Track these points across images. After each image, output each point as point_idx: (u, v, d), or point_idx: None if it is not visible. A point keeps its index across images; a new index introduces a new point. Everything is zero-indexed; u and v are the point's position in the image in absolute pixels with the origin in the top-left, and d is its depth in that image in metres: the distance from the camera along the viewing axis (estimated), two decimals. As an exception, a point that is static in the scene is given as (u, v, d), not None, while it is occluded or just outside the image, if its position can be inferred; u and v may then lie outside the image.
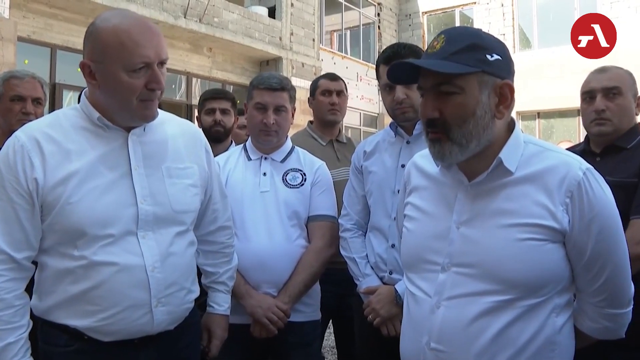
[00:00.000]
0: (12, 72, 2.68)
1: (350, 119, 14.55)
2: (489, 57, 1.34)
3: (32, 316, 1.63)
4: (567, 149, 2.66)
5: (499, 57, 1.36)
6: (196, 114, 3.36)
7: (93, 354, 1.60)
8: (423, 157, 1.62)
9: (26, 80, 2.60)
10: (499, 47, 1.38)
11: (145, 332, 1.63)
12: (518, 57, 14.58)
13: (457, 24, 16.27)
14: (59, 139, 1.58)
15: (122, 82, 1.53)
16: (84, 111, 1.65)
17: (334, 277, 2.50)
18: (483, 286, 1.35)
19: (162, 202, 1.67)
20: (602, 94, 2.26)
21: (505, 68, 1.38)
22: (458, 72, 1.32)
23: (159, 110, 1.77)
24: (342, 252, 2.32)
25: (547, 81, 13.35)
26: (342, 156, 3.14)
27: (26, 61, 8.58)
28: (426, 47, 1.45)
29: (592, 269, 1.38)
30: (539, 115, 14.25)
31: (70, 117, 1.65)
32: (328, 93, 3.25)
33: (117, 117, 1.62)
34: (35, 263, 1.62)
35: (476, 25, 15.64)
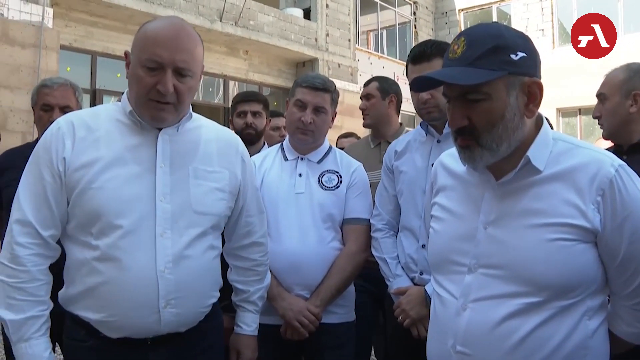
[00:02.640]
0: (45, 80, 2.72)
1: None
2: (513, 56, 1.29)
3: (60, 309, 1.68)
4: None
5: (524, 54, 1.31)
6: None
7: (105, 351, 1.62)
8: (450, 156, 1.58)
9: (55, 88, 2.62)
10: (523, 43, 1.33)
11: (154, 332, 1.63)
12: (558, 53, 14.29)
13: (495, 20, 16.04)
14: (93, 127, 1.66)
15: (137, 75, 1.61)
16: (121, 105, 1.72)
17: (371, 276, 2.48)
18: (511, 288, 1.31)
19: (183, 201, 1.67)
20: (598, 101, 2.35)
21: (531, 65, 1.34)
22: (483, 82, 1.28)
23: (197, 115, 1.82)
24: (374, 252, 2.31)
25: (589, 77, 12.91)
26: None
27: (68, 68, 8.81)
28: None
29: (626, 271, 1.33)
30: (580, 111, 13.92)
31: (110, 110, 1.74)
32: (360, 99, 3.35)
33: (138, 111, 1.67)
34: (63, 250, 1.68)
35: (514, 22, 15.38)
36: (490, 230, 1.38)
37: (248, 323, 1.98)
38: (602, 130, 2.36)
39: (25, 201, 1.61)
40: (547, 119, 3.25)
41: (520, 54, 1.30)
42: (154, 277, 1.60)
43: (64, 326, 1.70)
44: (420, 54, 2.19)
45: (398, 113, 3.39)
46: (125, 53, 1.67)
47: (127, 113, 1.69)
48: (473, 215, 1.42)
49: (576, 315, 1.30)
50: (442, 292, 1.47)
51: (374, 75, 3.72)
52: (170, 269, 1.62)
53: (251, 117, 3.11)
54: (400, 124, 3.37)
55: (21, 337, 1.56)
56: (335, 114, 2.43)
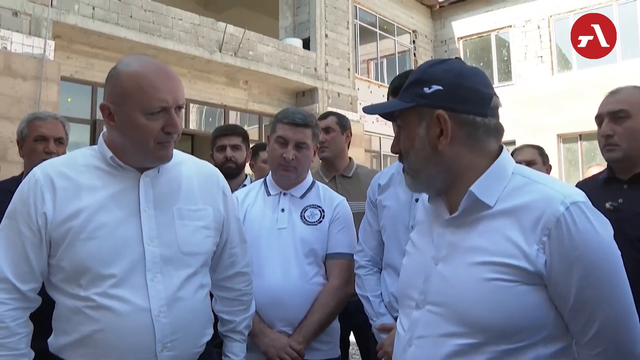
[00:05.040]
0: (36, 113, 2.75)
1: (389, 147, 14.42)
2: (426, 89, 1.32)
3: (49, 353, 1.66)
4: (587, 178, 2.58)
5: (439, 88, 1.31)
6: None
7: None
8: None
9: (48, 121, 2.67)
10: (444, 78, 1.32)
11: None
12: (557, 79, 14.38)
13: (494, 48, 16.17)
14: (72, 176, 1.64)
15: (140, 124, 1.58)
16: (99, 151, 1.70)
17: (353, 310, 2.47)
18: (450, 328, 1.27)
19: (170, 243, 1.67)
20: (608, 118, 2.18)
21: (444, 97, 1.31)
22: (385, 111, 1.41)
23: (176, 151, 1.79)
24: (357, 290, 2.29)
25: (589, 102, 12.90)
26: (344, 191, 3.15)
27: (69, 99, 8.90)
28: None
29: (580, 318, 1.21)
30: (581, 137, 13.93)
31: (86, 156, 1.71)
32: None
33: (133, 157, 1.66)
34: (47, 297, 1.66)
35: (513, 49, 15.50)
36: (440, 267, 1.34)
37: (236, 353, 1.97)
38: (606, 153, 2.18)
39: (2, 257, 1.59)
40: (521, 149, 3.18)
41: (435, 87, 1.32)
42: (150, 322, 1.59)
43: None
44: (400, 85, 2.17)
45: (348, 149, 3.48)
46: (105, 105, 1.62)
47: (107, 159, 1.67)
48: (428, 251, 1.39)
49: None
50: (398, 327, 1.45)
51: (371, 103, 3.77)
52: (165, 312, 1.61)
53: (230, 151, 3.11)
54: (350, 158, 3.45)
55: None
56: (317, 148, 2.43)
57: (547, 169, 3.24)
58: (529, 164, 3.13)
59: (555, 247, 1.19)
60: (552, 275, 1.20)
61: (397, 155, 1.46)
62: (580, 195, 1.24)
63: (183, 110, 1.69)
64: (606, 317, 1.20)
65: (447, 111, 1.31)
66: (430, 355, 1.29)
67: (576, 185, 2.27)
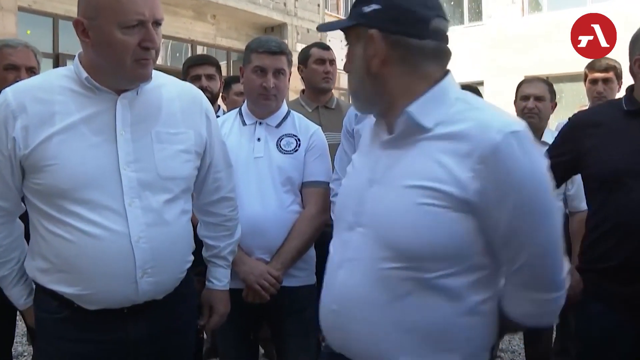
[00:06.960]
0: (5, 40, 2.63)
1: (357, 86, 14.40)
2: (365, 8, 1.28)
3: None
4: (590, 109, 2.48)
5: (377, 7, 1.27)
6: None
7: (81, 322, 1.60)
8: None
9: (19, 49, 2.55)
10: None
11: (131, 302, 1.61)
12: (527, 21, 14.33)
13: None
14: (46, 99, 1.57)
15: (116, 39, 1.50)
16: (74, 71, 1.62)
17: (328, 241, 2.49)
18: (378, 251, 1.26)
19: (148, 168, 1.62)
20: None
21: (379, 17, 1.27)
22: (332, 29, 1.41)
23: (158, 72, 1.73)
24: (333, 217, 2.31)
25: (557, 45, 13.03)
26: (327, 121, 3.16)
27: (28, 31, 8.54)
28: None
29: (509, 247, 1.23)
30: (548, 79, 14.02)
31: (61, 77, 1.63)
32: (321, 62, 3.35)
33: (110, 78, 1.59)
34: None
35: (485, -12, 15.36)
36: (374, 188, 1.32)
37: (219, 278, 1.99)
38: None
39: None
40: (476, 88, 3.11)
41: (373, 6, 1.27)
42: (129, 247, 1.56)
43: (34, 298, 1.70)
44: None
45: None
46: (79, 21, 1.54)
47: (82, 80, 1.59)
48: (365, 172, 1.37)
49: (448, 289, 1.23)
50: (330, 248, 1.44)
51: (342, 41, 3.76)
52: (145, 238, 1.58)
53: (206, 81, 3.08)
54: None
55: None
56: (291, 74, 2.42)
57: (553, 106, 3.21)
58: (538, 99, 3.08)
59: (491, 174, 1.17)
60: (486, 203, 1.18)
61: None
62: (519, 125, 1.21)
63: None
64: (536, 248, 1.22)
65: (380, 31, 1.27)
66: (359, 277, 1.29)
67: (575, 114, 2.25)
